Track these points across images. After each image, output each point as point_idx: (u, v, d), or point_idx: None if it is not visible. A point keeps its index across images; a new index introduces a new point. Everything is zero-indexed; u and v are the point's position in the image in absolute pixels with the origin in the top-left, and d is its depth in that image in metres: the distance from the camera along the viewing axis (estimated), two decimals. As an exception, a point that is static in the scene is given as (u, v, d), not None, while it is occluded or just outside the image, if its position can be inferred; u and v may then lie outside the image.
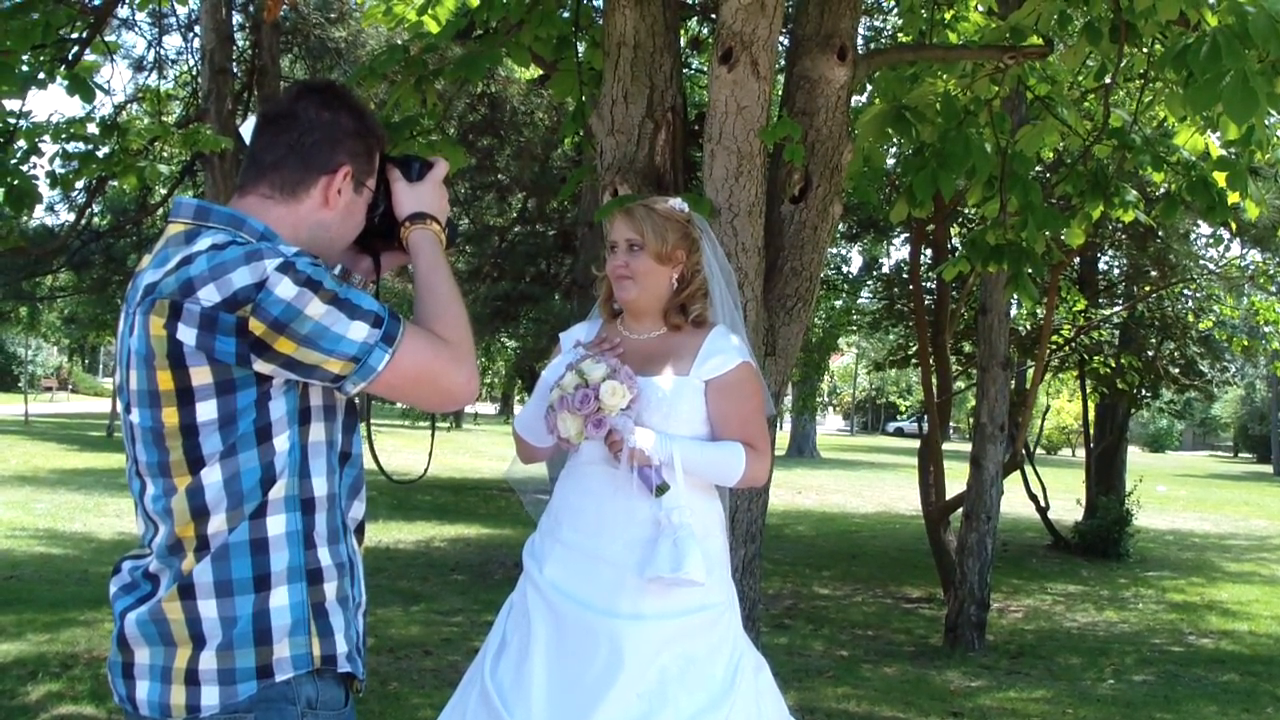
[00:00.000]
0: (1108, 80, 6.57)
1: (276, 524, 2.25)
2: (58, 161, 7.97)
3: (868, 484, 31.32)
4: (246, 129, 2.74)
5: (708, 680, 3.39)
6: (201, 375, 2.18)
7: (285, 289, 2.14)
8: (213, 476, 2.21)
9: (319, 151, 2.36)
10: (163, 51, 12.37)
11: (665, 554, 3.34)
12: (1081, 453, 52.62)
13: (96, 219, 12.88)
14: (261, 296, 2.14)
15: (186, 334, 2.16)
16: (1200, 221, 15.84)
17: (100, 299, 24.01)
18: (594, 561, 3.43)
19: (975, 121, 6.35)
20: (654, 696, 3.30)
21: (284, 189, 2.35)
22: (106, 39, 8.81)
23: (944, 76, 6.62)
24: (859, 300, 24.73)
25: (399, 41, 9.74)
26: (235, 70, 10.56)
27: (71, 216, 14.33)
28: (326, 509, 2.32)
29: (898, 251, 25.27)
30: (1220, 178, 6.55)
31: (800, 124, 5.19)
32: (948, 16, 7.47)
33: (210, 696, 2.22)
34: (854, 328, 26.43)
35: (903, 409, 77.87)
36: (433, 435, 3.54)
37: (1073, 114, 7.02)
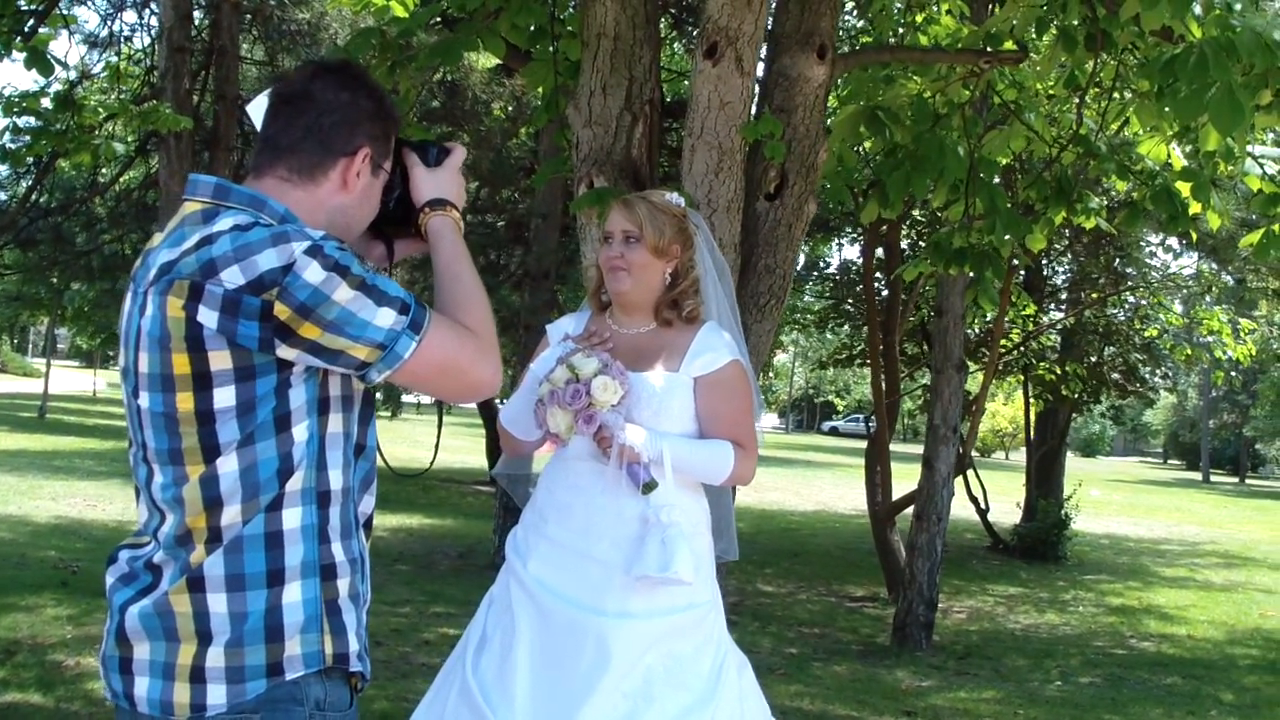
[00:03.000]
0: (1081, 89, 6.60)
1: (292, 517, 2.18)
2: (8, 135, 7.80)
3: (805, 482, 31.44)
4: (255, 108, 2.65)
5: (693, 680, 3.37)
6: (221, 360, 2.10)
7: (313, 273, 2.08)
8: (229, 466, 2.13)
9: (338, 134, 2.29)
10: (117, 28, 12.09)
11: (653, 552, 3.31)
12: (1015, 456, 53.33)
13: (45, 197, 12.61)
14: (289, 280, 2.06)
15: (207, 316, 2.08)
16: (1149, 231, 16.01)
17: (40, 279, 23.56)
18: (581, 559, 3.40)
19: (948, 124, 6.36)
20: (640, 696, 3.28)
21: (302, 172, 2.27)
22: (63, 13, 8.64)
23: (916, 79, 6.63)
24: (804, 299, 24.79)
25: (364, 26, 9.63)
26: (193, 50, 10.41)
27: (20, 192, 14.07)
28: (341, 503, 2.25)
29: (841, 251, 25.38)
30: (1184, 188, 6.60)
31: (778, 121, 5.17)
32: (918, 19, 7.49)
33: (217, 695, 2.14)
34: (797, 326, 26.49)
35: (840, 408, 78.42)
36: (439, 427, 3.48)
37: (1040, 120, 7.06)
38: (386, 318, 2.14)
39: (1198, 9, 4.29)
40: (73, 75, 10.11)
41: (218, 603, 2.14)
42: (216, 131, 10.55)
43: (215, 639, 2.14)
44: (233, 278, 2.07)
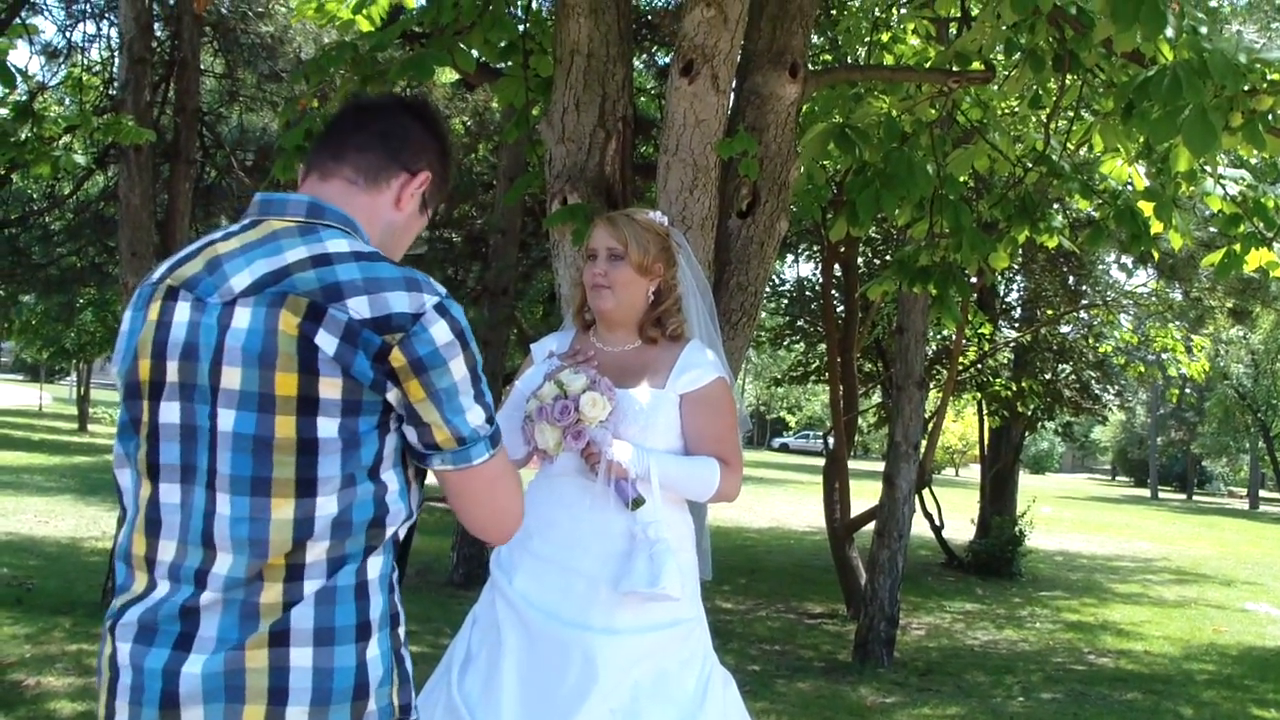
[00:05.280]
0: (1045, 109, 6.67)
1: (374, 566, 2.07)
2: (-35, 147, 7.67)
3: (758, 499, 31.42)
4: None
5: (679, 695, 3.37)
6: (331, 388, 1.97)
7: (440, 332, 2.01)
8: (328, 507, 2.00)
9: (406, 148, 2.23)
10: (75, 39, 11.97)
11: (642, 568, 3.32)
12: (965, 473, 53.68)
13: (1, 210, 12.44)
14: (416, 329, 1.99)
15: (325, 340, 1.96)
16: (1108, 250, 16.16)
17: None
18: (567, 574, 3.39)
19: (916, 143, 6.41)
20: (627, 712, 3.28)
21: (368, 175, 2.21)
22: (24, 22, 8.55)
23: (884, 98, 6.68)
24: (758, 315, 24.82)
25: (327, 40, 9.59)
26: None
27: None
28: (393, 549, 2.16)
29: (796, 268, 25.48)
30: (1147, 207, 6.67)
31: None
32: (884, 39, 7.55)
33: None
34: (750, 342, 26.54)
35: (792, 424, 78.62)
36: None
37: (1005, 139, 7.13)
38: (478, 416, 2.08)
39: (1169, 32, 4.35)
40: (31, 86, 10.00)
41: (302, 657, 1.98)
42: (177, 144, 10.47)
43: (293, 697, 1.96)
44: (360, 308, 1.98)
